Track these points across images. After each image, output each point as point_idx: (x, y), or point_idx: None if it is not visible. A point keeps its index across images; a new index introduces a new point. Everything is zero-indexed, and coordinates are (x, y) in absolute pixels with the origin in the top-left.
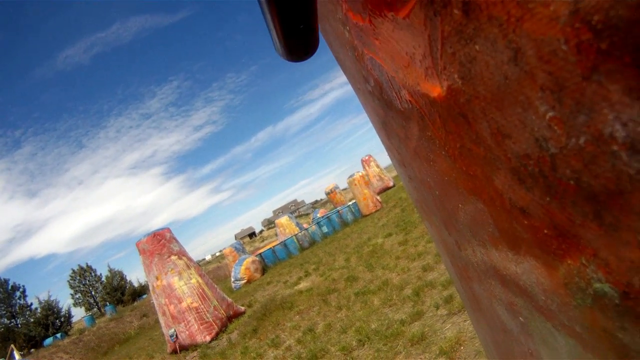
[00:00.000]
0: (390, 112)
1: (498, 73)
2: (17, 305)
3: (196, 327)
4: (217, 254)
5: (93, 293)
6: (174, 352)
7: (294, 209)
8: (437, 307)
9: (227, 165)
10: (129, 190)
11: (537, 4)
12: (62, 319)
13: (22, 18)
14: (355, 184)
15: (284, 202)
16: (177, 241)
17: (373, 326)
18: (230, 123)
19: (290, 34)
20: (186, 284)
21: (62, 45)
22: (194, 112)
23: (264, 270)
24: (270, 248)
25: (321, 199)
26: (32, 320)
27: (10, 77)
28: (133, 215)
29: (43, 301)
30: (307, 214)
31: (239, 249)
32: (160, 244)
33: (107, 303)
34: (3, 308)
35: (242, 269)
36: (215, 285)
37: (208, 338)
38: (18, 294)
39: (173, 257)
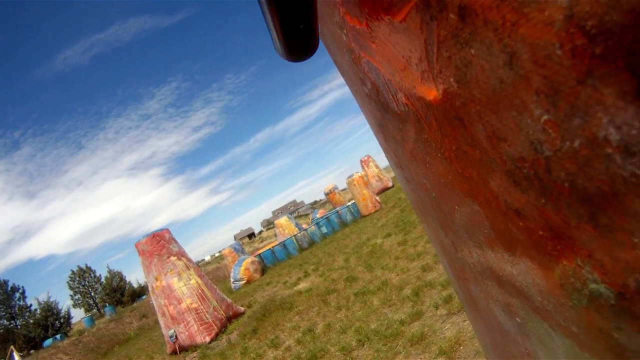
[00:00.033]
0: (387, 114)
1: (493, 77)
2: (17, 306)
3: (196, 327)
4: (217, 254)
5: (92, 294)
6: (174, 352)
7: (293, 210)
8: (437, 307)
9: (226, 166)
10: (128, 191)
11: (532, 9)
12: (62, 320)
13: (22, 18)
14: (355, 185)
15: (283, 202)
16: (176, 242)
17: (372, 326)
18: (229, 124)
19: (290, 34)
20: (185, 285)
21: (61, 46)
22: (193, 113)
23: (263, 270)
24: (270, 249)
25: (320, 200)
26: (31, 321)
27: (10, 77)
28: (132, 216)
29: (42, 302)
30: (307, 215)
31: (238, 250)
32: (160, 244)
33: (107, 304)
34: (2, 309)
35: (241, 270)
36: (215, 286)
37: (208, 339)
38: (17, 295)
39: (172, 258)
